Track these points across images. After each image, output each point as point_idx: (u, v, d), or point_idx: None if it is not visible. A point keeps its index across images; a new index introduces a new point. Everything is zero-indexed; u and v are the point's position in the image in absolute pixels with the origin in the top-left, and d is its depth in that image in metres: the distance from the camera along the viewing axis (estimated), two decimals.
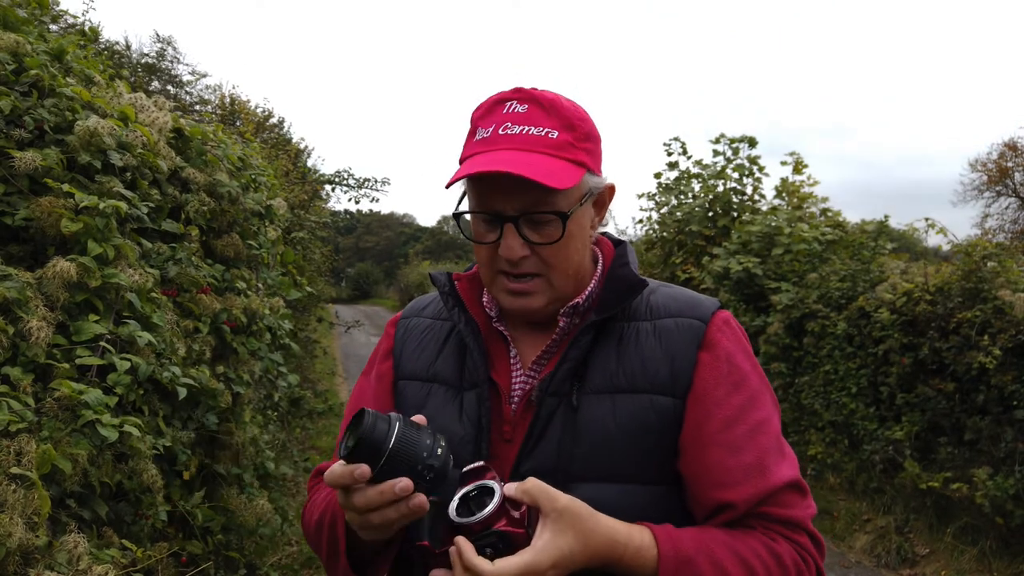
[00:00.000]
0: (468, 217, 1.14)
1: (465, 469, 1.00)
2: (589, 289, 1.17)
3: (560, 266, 1.11)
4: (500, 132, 1.08)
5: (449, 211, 1.18)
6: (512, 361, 1.18)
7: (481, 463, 1.01)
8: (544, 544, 0.92)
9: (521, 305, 1.13)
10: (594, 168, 1.11)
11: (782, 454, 1.08)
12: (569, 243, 1.10)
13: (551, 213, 1.07)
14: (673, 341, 1.11)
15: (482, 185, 1.08)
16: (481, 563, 0.90)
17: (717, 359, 1.10)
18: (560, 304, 1.15)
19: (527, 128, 1.07)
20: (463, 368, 1.19)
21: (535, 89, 1.10)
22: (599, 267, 1.21)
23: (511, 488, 0.96)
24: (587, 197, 1.12)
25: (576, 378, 1.10)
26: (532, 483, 0.95)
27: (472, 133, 1.12)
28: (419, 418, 1.03)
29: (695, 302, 1.16)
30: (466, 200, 1.14)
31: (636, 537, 0.99)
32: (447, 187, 1.10)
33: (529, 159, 1.04)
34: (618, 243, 1.25)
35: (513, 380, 1.16)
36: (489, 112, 1.11)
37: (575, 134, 1.08)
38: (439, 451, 0.95)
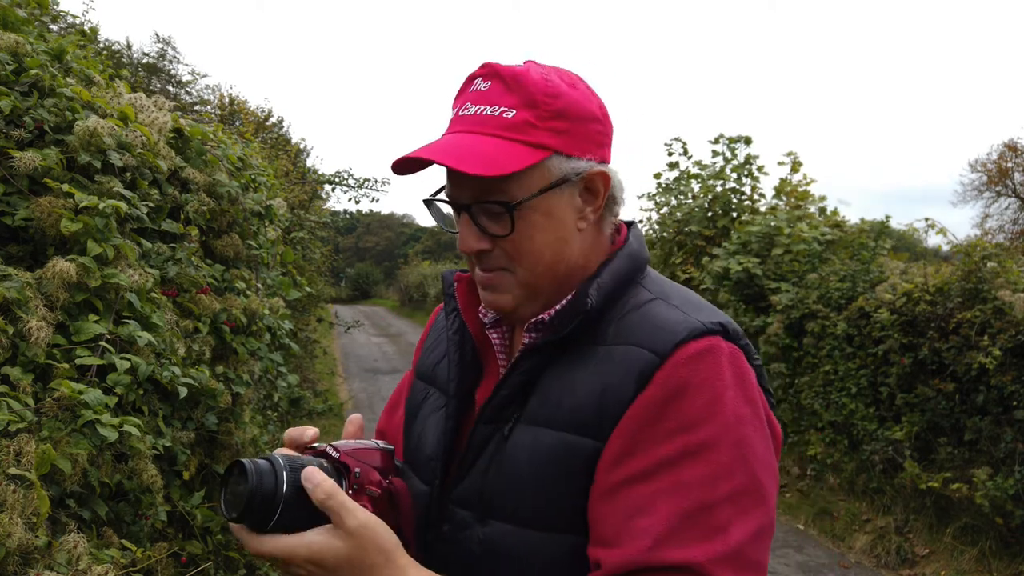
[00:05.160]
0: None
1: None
2: (562, 303, 1.01)
3: (525, 261, 0.97)
4: (459, 114, 0.98)
5: (449, 211, 1.10)
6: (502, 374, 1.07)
7: (323, 448, 0.94)
8: (313, 538, 0.85)
9: (492, 301, 1.02)
10: (568, 150, 0.96)
11: (705, 529, 0.84)
12: (534, 235, 0.96)
13: (496, 203, 0.94)
14: (613, 373, 0.92)
15: (448, 172, 0.99)
16: (239, 531, 0.87)
17: (654, 400, 0.89)
18: (540, 304, 1.01)
19: (482, 108, 0.96)
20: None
21: (502, 64, 0.98)
22: None
23: (309, 484, 0.86)
24: (560, 184, 0.96)
25: (518, 405, 0.98)
26: (328, 497, 0.85)
27: None
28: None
29: (665, 329, 0.93)
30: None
31: None
32: (393, 170, 1.02)
33: (471, 142, 0.93)
34: (616, 252, 1.05)
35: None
36: (460, 92, 1.01)
37: (538, 112, 0.94)
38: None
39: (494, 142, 0.93)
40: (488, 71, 0.98)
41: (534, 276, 0.99)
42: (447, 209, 1.05)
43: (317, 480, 0.85)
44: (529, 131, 0.94)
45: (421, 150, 0.95)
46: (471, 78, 0.99)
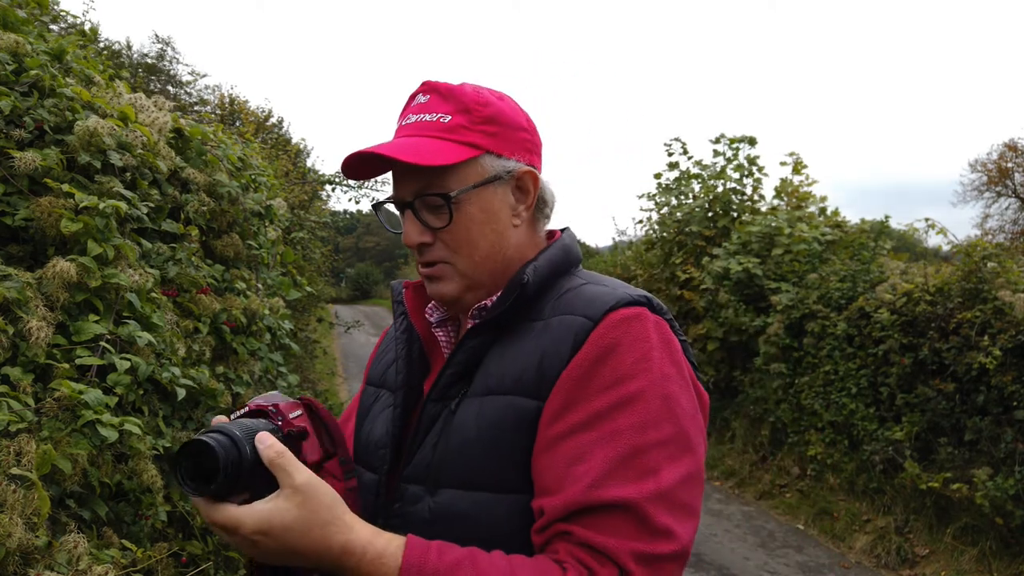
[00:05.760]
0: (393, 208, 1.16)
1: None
2: (502, 289, 1.09)
3: (463, 251, 1.08)
4: (402, 123, 1.10)
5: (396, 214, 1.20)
6: None
7: (268, 406, 0.99)
8: (261, 507, 0.88)
9: (435, 291, 1.12)
10: (499, 150, 1.07)
11: (638, 471, 0.92)
12: (471, 227, 1.07)
13: (436, 195, 1.05)
14: (550, 339, 1.01)
15: (393, 174, 1.10)
16: (199, 501, 0.90)
17: (587, 359, 0.97)
18: (481, 293, 1.11)
19: (422, 116, 1.08)
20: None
21: (440, 81, 1.11)
22: None
23: (262, 444, 0.90)
24: (493, 180, 1.07)
25: (465, 382, 1.05)
26: (278, 456, 0.89)
27: None
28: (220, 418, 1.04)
29: (597, 299, 1.03)
30: None
31: (381, 543, 0.90)
32: (344, 173, 1.12)
33: (411, 142, 1.05)
34: (551, 244, 1.15)
35: None
36: (403, 108, 1.13)
37: (470, 117, 1.06)
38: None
39: (428, 141, 1.05)
40: (427, 87, 1.11)
41: (472, 265, 1.09)
42: (396, 215, 1.16)
43: (269, 441, 0.91)
44: (463, 132, 1.06)
45: (366, 148, 1.05)
46: (413, 95, 1.12)
